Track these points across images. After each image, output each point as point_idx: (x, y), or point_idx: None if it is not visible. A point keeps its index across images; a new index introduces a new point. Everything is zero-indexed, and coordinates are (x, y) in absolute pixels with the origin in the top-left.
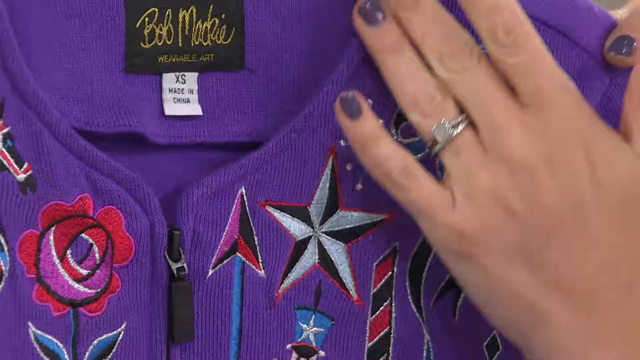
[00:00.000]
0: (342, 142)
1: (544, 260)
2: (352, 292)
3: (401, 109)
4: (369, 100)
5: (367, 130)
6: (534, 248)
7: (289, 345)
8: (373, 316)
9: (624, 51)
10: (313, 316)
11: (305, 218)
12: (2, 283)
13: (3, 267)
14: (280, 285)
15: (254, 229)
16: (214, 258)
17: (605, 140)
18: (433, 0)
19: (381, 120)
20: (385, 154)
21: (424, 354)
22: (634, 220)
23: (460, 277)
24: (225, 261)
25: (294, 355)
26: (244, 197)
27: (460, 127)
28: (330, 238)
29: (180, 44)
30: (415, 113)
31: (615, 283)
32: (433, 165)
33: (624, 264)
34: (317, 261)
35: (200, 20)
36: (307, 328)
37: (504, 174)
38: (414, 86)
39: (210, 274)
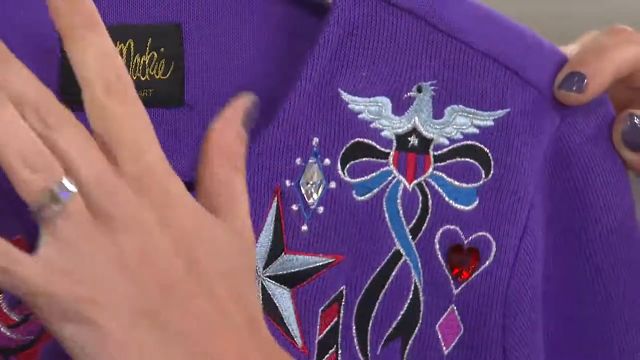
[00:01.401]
0: (287, 182)
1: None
2: (297, 339)
3: (5, 171)
4: (315, 138)
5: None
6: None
7: None
8: None
9: (574, 88)
10: None
11: None
12: None
13: None
14: None
15: None
16: None
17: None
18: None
19: (327, 160)
20: None
21: None
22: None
23: (70, 344)
24: None
25: None
26: None
27: (72, 187)
28: (274, 282)
29: None
30: (26, 170)
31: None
32: (379, 211)
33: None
34: (260, 307)
35: (138, 54)
36: None
37: (119, 234)
38: (19, 141)
39: None
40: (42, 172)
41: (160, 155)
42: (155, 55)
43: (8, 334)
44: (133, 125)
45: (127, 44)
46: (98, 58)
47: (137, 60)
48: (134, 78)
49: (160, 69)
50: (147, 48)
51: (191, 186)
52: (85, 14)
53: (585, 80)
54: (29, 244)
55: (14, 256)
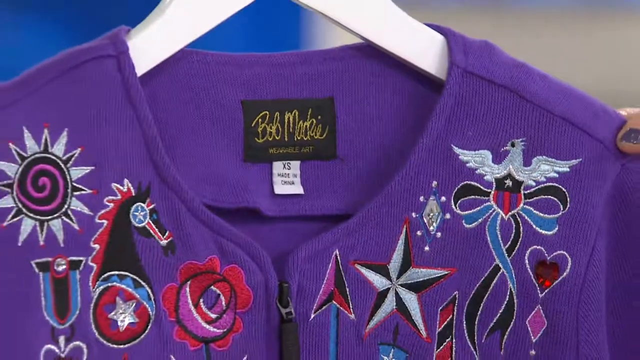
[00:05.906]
0: (413, 214)
1: None
2: (422, 331)
3: None
4: (434, 181)
5: None
6: None
7: None
8: (438, 350)
9: (632, 141)
10: (392, 350)
11: (386, 273)
12: (150, 325)
13: (150, 313)
14: (367, 325)
15: (345, 282)
16: (315, 305)
17: None
18: None
19: (443, 197)
20: None
21: None
22: None
23: None
24: (323, 307)
25: None
26: (338, 257)
27: None
28: (405, 289)
29: (286, 139)
30: None
31: None
32: (483, 235)
33: None
34: (395, 307)
35: (301, 120)
36: (388, 359)
37: None
38: None
39: (312, 317)
40: None
41: None
42: (315, 121)
43: (207, 327)
44: None
45: (293, 113)
46: None
47: (300, 124)
48: (299, 138)
49: (318, 131)
50: (309, 116)
51: (343, 218)
52: None
53: None
54: (221, 261)
55: None
